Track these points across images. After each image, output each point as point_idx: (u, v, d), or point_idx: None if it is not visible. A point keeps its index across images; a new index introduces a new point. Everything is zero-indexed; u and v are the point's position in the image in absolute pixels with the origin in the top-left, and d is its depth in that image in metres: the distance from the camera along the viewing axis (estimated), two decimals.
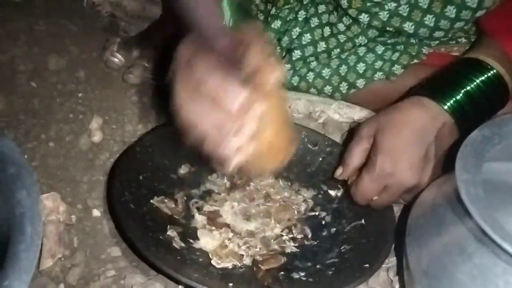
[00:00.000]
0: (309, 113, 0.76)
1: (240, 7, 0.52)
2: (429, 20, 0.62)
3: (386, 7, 0.62)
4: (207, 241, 0.53)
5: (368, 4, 0.62)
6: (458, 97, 0.54)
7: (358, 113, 0.75)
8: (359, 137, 0.55)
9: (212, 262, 0.50)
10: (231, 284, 0.46)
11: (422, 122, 0.52)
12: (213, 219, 0.56)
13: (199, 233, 0.53)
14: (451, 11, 0.60)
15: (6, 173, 0.37)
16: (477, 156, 0.40)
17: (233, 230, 0.54)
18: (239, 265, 0.51)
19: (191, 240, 0.52)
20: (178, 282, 0.48)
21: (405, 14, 0.62)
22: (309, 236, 0.56)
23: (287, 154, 0.45)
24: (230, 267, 0.50)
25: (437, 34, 0.63)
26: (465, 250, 0.37)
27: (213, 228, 0.54)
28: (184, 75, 0.39)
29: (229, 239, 0.53)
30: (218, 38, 0.39)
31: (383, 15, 0.63)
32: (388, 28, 0.65)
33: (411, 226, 0.44)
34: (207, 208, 0.57)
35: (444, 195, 0.42)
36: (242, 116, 0.39)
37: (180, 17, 0.39)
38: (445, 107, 0.53)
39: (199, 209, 0.56)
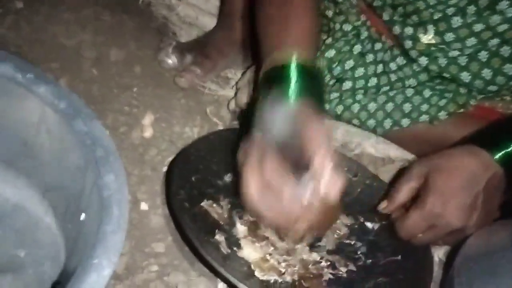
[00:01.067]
0: (346, 143, 0.78)
1: (308, 71, 0.55)
2: (486, 74, 0.64)
3: (449, 54, 0.64)
4: (249, 251, 0.54)
5: (433, 48, 0.65)
6: (508, 150, 0.56)
7: (394, 151, 0.77)
8: (409, 175, 0.57)
9: (256, 273, 0.51)
10: None
11: (474, 169, 0.54)
12: (254, 230, 0.56)
13: (242, 242, 0.54)
14: (509, 69, 0.63)
15: (95, 155, 0.38)
16: None
17: (272, 244, 0.55)
18: (280, 280, 0.51)
19: (235, 248, 0.53)
20: (222, 279, 0.49)
21: (463, 64, 0.65)
22: (346, 264, 0.57)
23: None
24: (272, 281, 0.51)
25: (491, 88, 0.66)
26: None
27: (254, 239, 0.55)
28: (255, 171, 0.47)
29: (269, 254, 0.54)
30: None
31: (442, 61, 0.66)
32: (444, 75, 0.67)
33: (460, 269, 0.45)
34: (247, 217, 0.57)
35: (501, 242, 0.44)
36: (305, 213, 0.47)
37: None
38: (496, 157, 0.55)
39: (240, 218, 0.57)
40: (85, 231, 0.37)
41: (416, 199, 0.56)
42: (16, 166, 0.44)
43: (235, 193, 0.60)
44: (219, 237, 0.53)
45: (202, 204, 0.55)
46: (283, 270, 0.52)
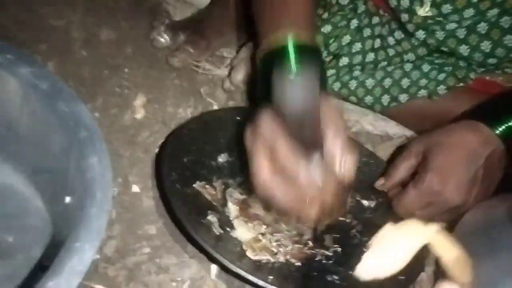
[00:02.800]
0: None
1: (307, 49, 0.52)
2: (486, 46, 0.62)
3: (447, 27, 0.62)
4: (242, 232, 0.53)
5: (430, 21, 0.63)
6: (509, 124, 0.55)
7: (393, 128, 0.76)
8: (408, 152, 0.55)
9: (247, 253, 0.51)
10: (271, 277, 0.46)
11: (474, 145, 0.53)
12: (244, 210, 0.56)
13: (235, 223, 0.54)
14: (509, 40, 0.61)
15: (78, 136, 0.37)
16: None
17: (264, 222, 0.55)
18: (273, 260, 0.51)
19: (228, 228, 0.53)
20: (214, 261, 0.48)
21: (461, 37, 0.63)
22: (341, 242, 0.56)
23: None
24: (264, 261, 0.51)
25: (491, 60, 0.64)
26: None
27: (246, 219, 0.55)
28: (267, 154, 0.45)
29: (262, 234, 0.54)
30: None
31: (440, 35, 0.64)
32: (442, 48, 0.65)
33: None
34: (237, 196, 0.57)
35: (499, 217, 0.43)
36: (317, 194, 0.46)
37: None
38: (497, 132, 0.54)
39: (231, 197, 0.57)
40: (70, 215, 0.36)
41: (414, 176, 0.55)
42: (1, 150, 0.44)
43: (229, 174, 0.60)
44: (212, 218, 0.52)
45: (194, 185, 0.54)
46: (275, 250, 0.52)
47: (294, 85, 0.47)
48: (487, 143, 0.53)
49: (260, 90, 0.54)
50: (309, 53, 0.53)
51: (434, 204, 0.52)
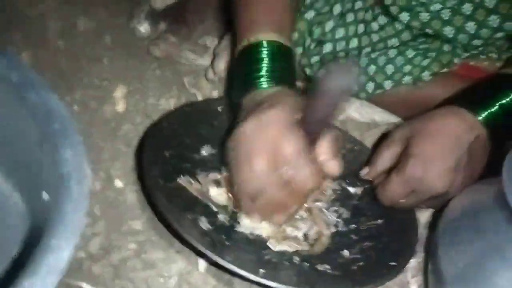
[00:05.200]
0: None
1: (281, 53, 0.56)
2: (470, 27, 0.62)
3: (431, 8, 0.61)
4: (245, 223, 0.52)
5: (413, 3, 0.62)
6: (492, 110, 0.54)
7: (379, 114, 0.75)
8: (391, 140, 0.55)
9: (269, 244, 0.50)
10: (262, 270, 0.45)
11: (457, 132, 0.52)
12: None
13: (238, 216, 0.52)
14: (494, 20, 0.60)
15: (51, 129, 0.36)
16: None
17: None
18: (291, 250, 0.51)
19: (219, 221, 0.51)
20: (202, 256, 0.47)
21: (446, 18, 0.62)
22: (328, 230, 0.56)
23: None
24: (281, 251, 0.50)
25: (476, 42, 0.63)
26: (507, 255, 0.37)
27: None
28: (265, 154, 0.46)
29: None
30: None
31: (424, 16, 0.63)
32: (427, 31, 0.64)
33: (445, 230, 0.44)
34: (214, 176, 0.56)
35: (486, 198, 0.42)
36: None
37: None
38: (480, 118, 0.53)
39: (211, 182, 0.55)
40: (47, 211, 0.34)
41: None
42: None
43: (214, 166, 0.58)
44: (198, 213, 0.51)
45: (178, 180, 0.53)
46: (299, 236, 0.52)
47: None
48: (470, 129, 0.53)
49: (235, 92, 0.56)
50: (282, 55, 0.56)
51: (417, 191, 0.51)
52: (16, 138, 0.40)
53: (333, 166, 0.48)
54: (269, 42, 0.55)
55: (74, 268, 0.46)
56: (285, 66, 0.57)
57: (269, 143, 0.46)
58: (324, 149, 0.48)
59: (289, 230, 0.53)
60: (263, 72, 0.54)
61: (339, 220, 0.56)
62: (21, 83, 0.37)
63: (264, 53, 0.55)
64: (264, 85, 0.54)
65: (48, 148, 0.35)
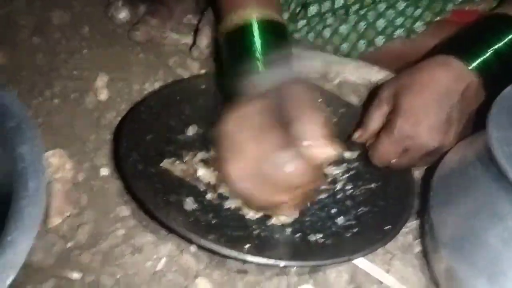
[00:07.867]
0: (325, 74, 0.73)
1: (272, 26, 0.51)
2: None
3: None
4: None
5: None
6: (485, 57, 0.50)
7: (375, 74, 0.72)
8: (378, 99, 0.52)
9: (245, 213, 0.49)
10: (247, 246, 0.44)
11: (445, 83, 0.49)
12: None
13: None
14: None
15: (6, 127, 0.35)
16: (511, 113, 0.37)
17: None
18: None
19: (206, 199, 0.50)
20: (191, 242, 0.46)
21: None
22: (323, 197, 0.54)
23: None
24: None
25: None
26: (496, 212, 0.35)
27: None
28: (246, 153, 0.43)
29: None
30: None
31: None
32: None
33: (437, 187, 0.42)
34: (203, 155, 0.54)
35: (474, 154, 0.40)
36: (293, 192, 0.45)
37: None
38: (471, 67, 0.50)
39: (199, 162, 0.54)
40: (7, 208, 0.34)
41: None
42: None
43: (201, 146, 0.57)
44: (183, 195, 0.50)
45: (161, 164, 0.52)
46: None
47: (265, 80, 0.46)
48: (459, 79, 0.49)
49: (227, 74, 0.52)
50: (273, 30, 0.51)
51: (410, 150, 0.49)
52: None
53: (319, 153, 0.43)
54: (260, 21, 0.50)
55: (62, 259, 0.45)
56: (278, 44, 0.52)
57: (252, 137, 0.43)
58: (307, 134, 0.43)
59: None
60: (258, 55, 0.50)
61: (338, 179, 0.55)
62: None
63: (256, 34, 0.50)
64: (260, 70, 0.49)
65: (3, 146, 0.34)
